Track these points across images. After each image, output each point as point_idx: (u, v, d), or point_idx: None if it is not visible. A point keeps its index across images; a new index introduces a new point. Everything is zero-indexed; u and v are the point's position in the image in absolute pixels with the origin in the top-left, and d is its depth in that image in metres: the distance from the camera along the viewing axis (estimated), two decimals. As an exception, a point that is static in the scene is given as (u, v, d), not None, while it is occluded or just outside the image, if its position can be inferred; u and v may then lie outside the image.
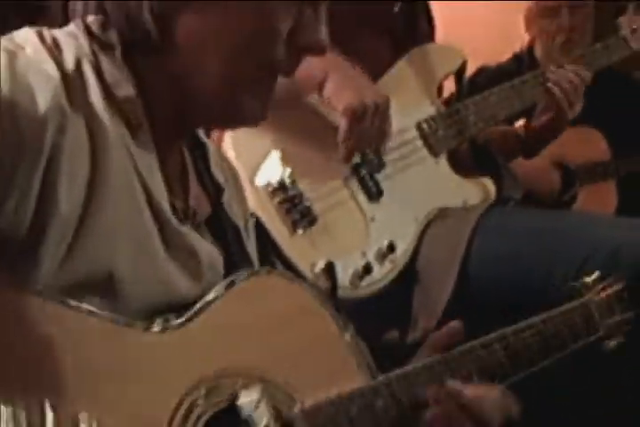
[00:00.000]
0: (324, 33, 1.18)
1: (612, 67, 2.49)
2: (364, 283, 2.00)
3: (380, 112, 1.97)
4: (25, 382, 0.93)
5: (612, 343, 1.56)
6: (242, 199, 1.39)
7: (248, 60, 1.15)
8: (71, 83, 1.07)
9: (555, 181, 2.76)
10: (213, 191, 1.30)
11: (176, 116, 1.17)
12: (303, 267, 1.89)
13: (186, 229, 1.18)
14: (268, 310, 1.16)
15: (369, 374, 1.24)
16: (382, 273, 2.04)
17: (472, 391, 1.25)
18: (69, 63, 1.08)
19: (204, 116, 1.20)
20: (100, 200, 1.06)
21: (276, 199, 1.94)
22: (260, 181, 1.94)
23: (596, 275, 1.59)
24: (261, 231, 1.83)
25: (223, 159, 1.39)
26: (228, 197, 1.31)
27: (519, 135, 2.43)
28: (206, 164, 1.30)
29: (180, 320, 1.08)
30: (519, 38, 3.31)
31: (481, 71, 3.14)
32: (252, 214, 1.66)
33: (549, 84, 2.27)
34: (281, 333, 1.16)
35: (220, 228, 1.28)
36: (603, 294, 1.56)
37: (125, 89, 1.12)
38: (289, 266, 1.89)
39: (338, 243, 1.98)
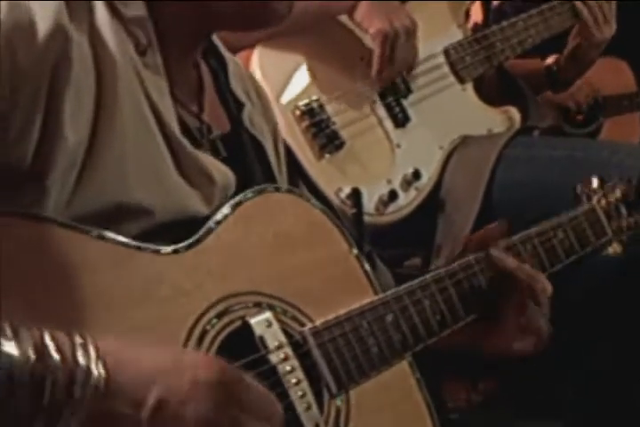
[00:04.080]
0: None
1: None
2: (389, 209, 2.01)
3: (410, 36, 1.96)
4: (38, 310, 0.91)
5: (613, 250, 1.55)
6: (268, 114, 1.36)
7: None
8: (75, 2, 1.02)
9: (580, 99, 2.76)
10: (234, 107, 1.27)
11: (190, 29, 1.14)
12: (329, 192, 1.88)
13: (199, 152, 1.15)
14: (276, 228, 1.14)
15: (380, 289, 1.22)
16: (407, 200, 2.04)
17: None
18: None
19: (226, 17, 1.15)
20: (108, 127, 1.03)
21: (304, 123, 1.92)
22: (288, 103, 1.93)
23: (596, 181, 1.57)
24: (288, 156, 1.83)
25: (247, 74, 1.36)
26: (248, 113, 1.28)
27: (549, 68, 2.42)
28: (227, 79, 1.27)
29: (188, 242, 1.06)
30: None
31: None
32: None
33: (577, 2, 2.25)
34: (290, 251, 1.14)
35: (240, 145, 1.25)
36: (610, 198, 1.55)
37: (135, 8, 1.08)
38: (315, 191, 1.88)
39: (364, 169, 1.98)
